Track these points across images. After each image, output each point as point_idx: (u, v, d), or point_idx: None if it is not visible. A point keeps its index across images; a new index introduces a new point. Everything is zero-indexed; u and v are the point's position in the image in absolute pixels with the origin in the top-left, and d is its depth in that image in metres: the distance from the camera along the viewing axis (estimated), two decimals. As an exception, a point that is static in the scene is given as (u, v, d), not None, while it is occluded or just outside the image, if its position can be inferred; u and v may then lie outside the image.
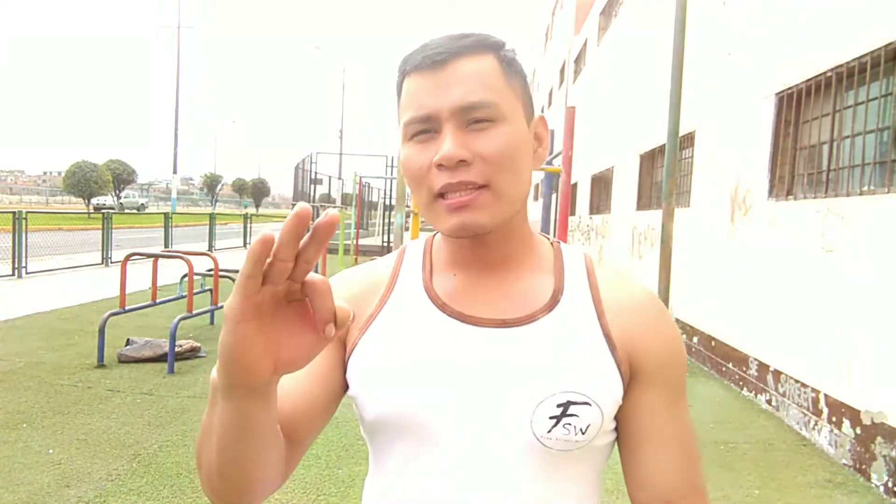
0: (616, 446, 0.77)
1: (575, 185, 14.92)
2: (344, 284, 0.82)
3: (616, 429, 0.75)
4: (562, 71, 21.09)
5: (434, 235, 0.82)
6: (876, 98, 3.86)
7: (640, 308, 0.75)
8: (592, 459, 0.74)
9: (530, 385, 0.69)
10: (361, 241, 18.03)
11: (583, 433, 0.69)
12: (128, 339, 5.51)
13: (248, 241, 19.77)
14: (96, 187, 29.95)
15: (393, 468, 0.74)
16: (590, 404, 0.69)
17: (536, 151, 0.76)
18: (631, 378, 0.73)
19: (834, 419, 3.89)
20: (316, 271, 0.51)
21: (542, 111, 27.37)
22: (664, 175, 6.55)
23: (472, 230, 0.69)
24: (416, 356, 0.72)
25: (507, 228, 0.74)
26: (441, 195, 0.69)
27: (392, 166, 18.29)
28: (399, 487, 0.73)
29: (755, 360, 5.08)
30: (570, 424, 0.68)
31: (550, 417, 0.68)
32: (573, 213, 15.06)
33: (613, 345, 0.72)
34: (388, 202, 20.35)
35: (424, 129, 0.70)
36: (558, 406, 0.68)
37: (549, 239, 0.82)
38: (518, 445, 0.69)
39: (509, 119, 0.70)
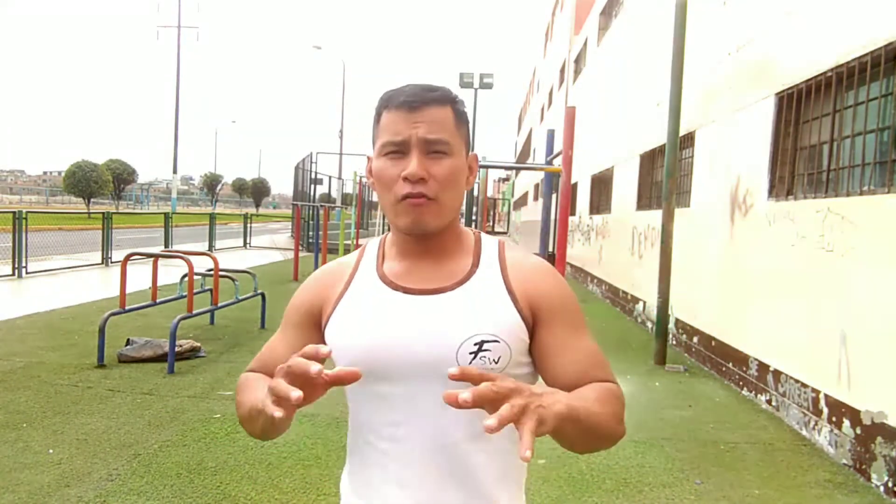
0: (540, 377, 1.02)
1: (575, 185, 14.91)
2: (321, 274, 1.12)
3: (533, 363, 1.01)
4: (562, 71, 21.07)
5: (386, 235, 1.11)
6: (876, 98, 3.86)
7: (534, 269, 1.04)
8: None
9: (454, 331, 0.95)
10: (361, 241, 18.00)
11: (495, 363, 0.95)
12: (128, 339, 5.51)
13: (248, 241, 19.75)
14: (96, 187, 29.97)
15: (364, 401, 1.02)
16: (498, 341, 0.95)
17: (468, 178, 1.04)
18: (535, 321, 0.99)
19: (834, 419, 3.89)
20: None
21: (543, 111, 27.51)
22: (664, 175, 6.55)
23: (421, 228, 0.97)
24: (370, 319, 1.00)
25: (445, 228, 1.01)
26: (403, 199, 0.96)
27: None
28: (367, 413, 1.01)
29: (755, 360, 5.08)
30: (484, 357, 0.94)
31: (470, 353, 0.94)
32: (573, 213, 15.05)
33: (515, 297, 0.99)
34: (388, 202, 20.26)
35: (397, 150, 0.96)
36: (475, 344, 0.94)
37: (472, 231, 1.10)
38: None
39: (455, 154, 0.99)
